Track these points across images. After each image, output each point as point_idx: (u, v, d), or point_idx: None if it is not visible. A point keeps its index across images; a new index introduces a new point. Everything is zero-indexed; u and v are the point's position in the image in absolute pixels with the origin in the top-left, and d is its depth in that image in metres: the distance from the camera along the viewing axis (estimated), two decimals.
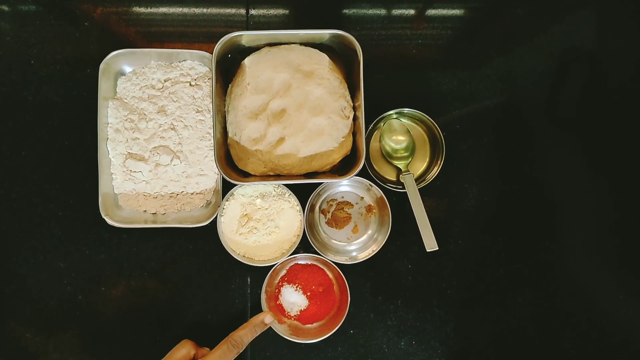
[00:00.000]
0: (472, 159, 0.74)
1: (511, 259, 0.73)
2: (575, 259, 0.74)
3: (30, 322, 0.69)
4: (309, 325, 0.70)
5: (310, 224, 0.71)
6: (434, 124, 0.70)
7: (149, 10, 0.74)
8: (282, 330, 0.68)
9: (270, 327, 0.67)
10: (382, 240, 0.69)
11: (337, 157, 0.66)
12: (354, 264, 0.70)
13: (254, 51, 0.66)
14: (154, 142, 0.68)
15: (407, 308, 0.72)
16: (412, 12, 0.76)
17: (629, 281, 0.75)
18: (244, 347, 0.60)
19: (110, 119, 0.68)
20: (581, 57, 0.77)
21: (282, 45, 0.66)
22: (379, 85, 0.74)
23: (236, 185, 0.66)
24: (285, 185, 0.69)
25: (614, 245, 0.75)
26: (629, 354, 0.73)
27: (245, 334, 0.61)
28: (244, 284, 0.71)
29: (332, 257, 0.69)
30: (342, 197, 0.73)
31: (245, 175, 0.67)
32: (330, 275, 0.71)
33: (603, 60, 0.78)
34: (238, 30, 0.62)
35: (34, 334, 0.69)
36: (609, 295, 0.74)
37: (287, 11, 0.76)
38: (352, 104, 0.66)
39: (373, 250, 0.70)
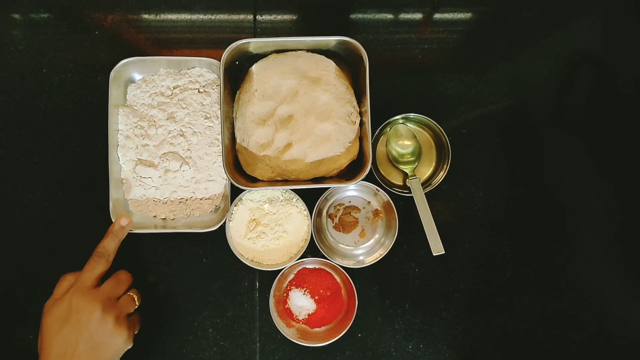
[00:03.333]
0: (479, 163, 0.75)
1: (518, 262, 0.74)
2: (582, 262, 0.74)
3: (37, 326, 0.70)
4: (317, 329, 0.71)
5: (317, 229, 0.71)
6: (440, 129, 0.71)
7: (158, 17, 0.75)
8: (290, 334, 0.68)
9: (279, 331, 0.67)
10: (389, 244, 0.70)
11: (344, 162, 0.66)
12: (362, 267, 0.70)
13: (262, 58, 0.67)
14: (163, 148, 0.69)
15: (414, 311, 0.73)
16: (417, 17, 0.77)
17: (636, 284, 0.75)
18: (112, 256, 0.62)
19: (121, 125, 0.69)
20: (588, 60, 0.77)
21: (289, 52, 0.67)
22: (385, 91, 0.74)
23: (244, 190, 0.67)
24: (292, 190, 0.70)
25: (621, 248, 0.75)
26: (637, 357, 0.73)
27: (107, 243, 0.62)
28: (253, 288, 0.72)
29: (339, 261, 0.69)
30: (349, 202, 0.73)
31: (254, 181, 0.68)
32: (338, 279, 0.72)
33: (610, 64, 0.78)
34: (246, 37, 0.63)
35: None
36: (616, 298, 0.74)
37: (294, 17, 0.76)
38: (358, 110, 0.66)
39: (380, 254, 0.70)
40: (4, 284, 0.71)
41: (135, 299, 0.63)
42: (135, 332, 0.63)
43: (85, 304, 0.56)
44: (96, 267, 0.60)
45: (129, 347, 0.61)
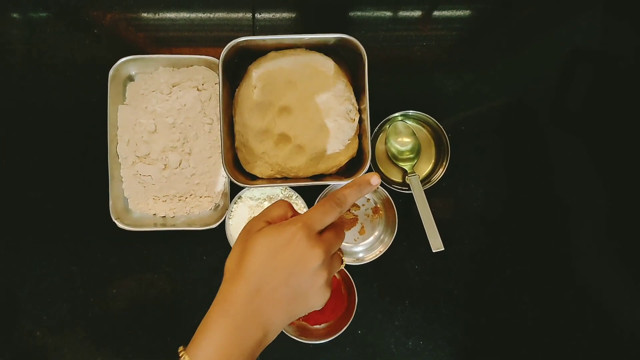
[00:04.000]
0: (478, 160, 0.75)
1: (517, 259, 0.74)
2: (581, 259, 0.74)
3: (44, 324, 0.71)
4: (317, 326, 0.71)
5: None
6: (439, 126, 0.71)
7: (157, 16, 0.75)
8: (290, 331, 0.68)
9: None
10: (388, 241, 0.70)
11: (343, 160, 0.66)
12: (361, 265, 0.70)
13: (260, 56, 0.67)
14: (162, 146, 0.69)
15: (414, 308, 0.73)
16: (416, 14, 0.77)
17: (635, 281, 0.75)
18: (348, 208, 0.50)
19: (120, 123, 0.70)
20: (587, 58, 0.77)
21: (288, 50, 0.67)
22: (384, 88, 0.74)
23: (244, 188, 0.67)
24: (292, 187, 0.70)
25: (621, 245, 0.75)
26: (637, 354, 0.73)
27: (350, 193, 0.49)
28: None
29: None
30: None
31: (253, 178, 0.68)
32: (338, 276, 0.72)
33: (609, 62, 0.78)
34: (244, 35, 0.63)
35: (47, 335, 0.71)
36: (615, 295, 0.75)
37: (293, 15, 0.76)
38: (357, 107, 0.66)
39: (380, 251, 0.70)
40: (5, 283, 0.71)
41: (343, 258, 0.53)
42: None
43: (309, 248, 0.46)
44: (330, 213, 0.47)
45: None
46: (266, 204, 0.70)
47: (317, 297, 0.48)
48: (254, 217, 0.49)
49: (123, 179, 0.70)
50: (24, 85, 0.73)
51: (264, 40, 0.65)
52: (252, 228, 0.48)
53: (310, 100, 0.64)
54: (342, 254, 0.54)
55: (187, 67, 0.71)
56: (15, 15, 0.75)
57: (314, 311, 0.70)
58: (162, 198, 0.70)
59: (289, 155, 0.65)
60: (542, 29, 0.78)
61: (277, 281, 0.45)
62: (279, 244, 0.45)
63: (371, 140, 0.66)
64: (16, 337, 0.71)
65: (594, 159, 0.76)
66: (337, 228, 0.50)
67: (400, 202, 0.71)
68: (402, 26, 0.77)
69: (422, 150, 0.73)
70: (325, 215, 0.47)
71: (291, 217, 0.49)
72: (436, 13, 0.77)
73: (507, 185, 0.75)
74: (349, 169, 0.69)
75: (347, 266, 0.69)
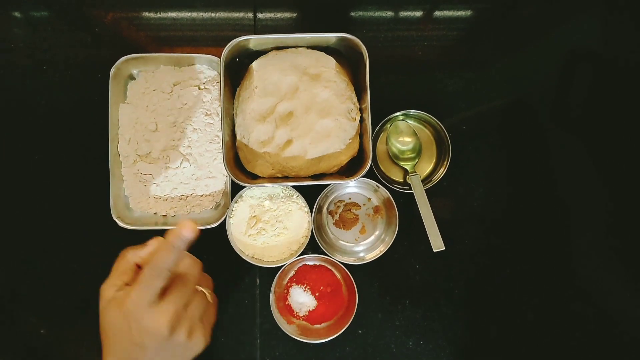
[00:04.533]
0: (479, 159, 0.75)
1: (518, 258, 0.74)
2: (581, 259, 0.75)
3: (46, 321, 0.71)
4: (318, 326, 0.71)
5: (318, 225, 0.72)
6: (440, 125, 0.71)
7: (158, 15, 0.75)
8: (291, 330, 0.68)
9: (280, 327, 0.68)
10: (389, 240, 0.70)
11: (344, 159, 0.66)
12: (362, 264, 0.70)
13: (262, 55, 0.67)
14: (163, 145, 0.69)
15: (414, 308, 0.73)
16: (417, 14, 0.77)
17: (635, 281, 0.75)
18: (172, 269, 0.48)
19: (121, 122, 0.69)
20: (587, 58, 0.77)
21: (289, 49, 0.67)
22: (385, 87, 0.74)
23: (245, 187, 0.67)
24: (293, 186, 0.70)
25: (620, 245, 0.75)
26: (637, 354, 0.73)
27: (163, 257, 0.47)
28: (253, 285, 0.72)
29: (340, 258, 0.69)
30: (350, 199, 0.73)
31: (254, 177, 0.68)
32: (339, 275, 0.72)
33: (610, 61, 0.78)
34: (246, 34, 0.63)
35: (49, 332, 0.70)
36: (615, 295, 0.75)
37: (294, 15, 0.76)
38: (358, 106, 0.67)
39: (381, 251, 0.70)
40: (6, 283, 0.71)
41: (207, 294, 0.54)
42: (213, 324, 0.55)
43: (147, 325, 0.46)
44: (153, 284, 0.47)
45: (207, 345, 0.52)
46: (267, 203, 0.70)
47: (190, 351, 0.50)
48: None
49: (124, 178, 0.70)
50: (24, 84, 0.73)
51: (265, 39, 0.65)
52: (101, 291, 0.52)
53: (311, 99, 0.64)
54: (207, 288, 0.56)
55: (189, 65, 0.71)
56: (16, 13, 0.75)
57: (315, 310, 0.70)
58: (163, 197, 0.70)
59: (289, 154, 0.64)
60: (542, 29, 0.78)
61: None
62: (119, 323, 0.48)
63: (372, 140, 0.66)
64: (19, 335, 0.70)
65: (594, 159, 0.76)
66: (182, 278, 0.50)
67: (401, 202, 0.71)
68: (403, 26, 0.77)
69: (423, 149, 0.73)
70: (147, 289, 0.47)
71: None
72: (437, 13, 0.77)
73: (508, 185, 0.75)
74: (350, 168, 0.69)
75: (347, 266, 0.69)
